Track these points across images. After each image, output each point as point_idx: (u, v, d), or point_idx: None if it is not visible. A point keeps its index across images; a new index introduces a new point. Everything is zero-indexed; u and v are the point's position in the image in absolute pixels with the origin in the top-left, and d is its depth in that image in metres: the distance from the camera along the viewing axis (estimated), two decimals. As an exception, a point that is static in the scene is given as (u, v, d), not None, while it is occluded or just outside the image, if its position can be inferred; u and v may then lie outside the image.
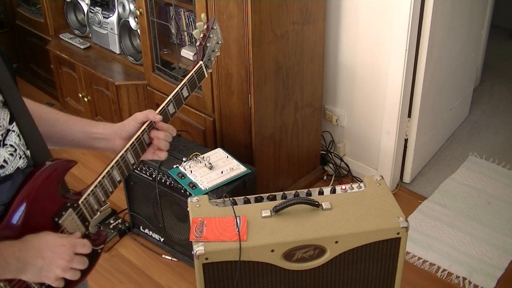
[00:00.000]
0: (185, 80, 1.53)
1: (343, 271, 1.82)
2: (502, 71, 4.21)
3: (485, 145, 3.39)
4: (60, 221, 1.21)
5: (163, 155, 1.45)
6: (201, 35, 1.63)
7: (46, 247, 1.13)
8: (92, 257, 1.31)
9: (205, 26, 1.63)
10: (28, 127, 1.21)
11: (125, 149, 1.36)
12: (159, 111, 1.43)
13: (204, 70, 1.61)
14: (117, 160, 1.35)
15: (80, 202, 1.27)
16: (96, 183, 1.31)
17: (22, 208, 1.14)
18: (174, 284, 2.53)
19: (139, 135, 1.39)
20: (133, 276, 2.58)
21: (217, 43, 1.67)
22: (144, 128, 1.40)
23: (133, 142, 1.38)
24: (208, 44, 1.62)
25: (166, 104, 1.46)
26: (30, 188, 1.16)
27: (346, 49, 2.86)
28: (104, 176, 1.33)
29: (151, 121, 1.40)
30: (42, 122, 1.33)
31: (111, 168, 1.34)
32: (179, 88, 1.50)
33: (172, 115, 1.48)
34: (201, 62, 1.59)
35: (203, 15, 1.63)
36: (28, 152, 1.19)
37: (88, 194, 1.29)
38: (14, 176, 1.15)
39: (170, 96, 1.48)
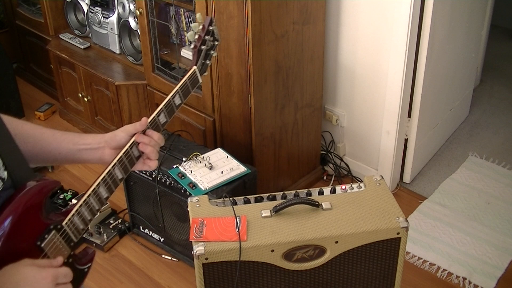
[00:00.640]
0: (177, 87, 1.45)
1: (343, 271, 1.82)
2: (502, 71, 4.21)
3: (485, 145, 3.39)
4: (42, 245, 1.14)
5: (153, 165, 1.39)
6: (196, 36, 1.53)
7: (25, 284, 1.05)
8: (79, 277, 1.26)
9: (201, 27, 1.53)
10: (6, 147, 1.14)
11: (112, 164, 1.31)
12: (150, 121, 1.38)
13: (198, 75, 1.52)
14: (104, 176, 1.29)
15: (64, 223, 1.20)
16: (81, 202, 1.25)
17: (3, 231, 1.07)
18: (174, 284, 2.53)
19: (127, 149, 1.33)
20: (133, 276, 2.58)
21: (214, 44, 1.57)
22: (133, 142, 1.34)
23: (121, 156, 1.32)
24: (203, 47, 1.53)
25: (156, 114, 1.40)
26: (13, 210, 1.10)
27: (346, 49, 2.86)
28: (89, 195, 1.26)
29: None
30: (27, 140, 1.28)
31: (97, 185, 1.27)
32: (171, 97, 1.43)
33: (164, 125, 1.42)
34: (194, 67, 1.50)
35: (198, 15, 1.54)
36: (5, 174, 1.13)
37: (73, 215, 1.22)
38: None
39: (161, 106, 1.41)
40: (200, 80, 1.54)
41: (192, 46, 1.55)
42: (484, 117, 3.67)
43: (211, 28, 1.55)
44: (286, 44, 2.53)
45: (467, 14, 3.10)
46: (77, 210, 1.24)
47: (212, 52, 1.58)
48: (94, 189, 1.27)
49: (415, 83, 2.81)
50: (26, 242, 1.12)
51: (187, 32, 2.86)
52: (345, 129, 3.08)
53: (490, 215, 2.84)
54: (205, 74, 1.57)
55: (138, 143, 1.36)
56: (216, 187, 2.27)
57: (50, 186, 1.18)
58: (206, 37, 1.54)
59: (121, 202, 2.94)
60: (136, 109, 3.08)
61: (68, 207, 1.24)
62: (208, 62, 1.57)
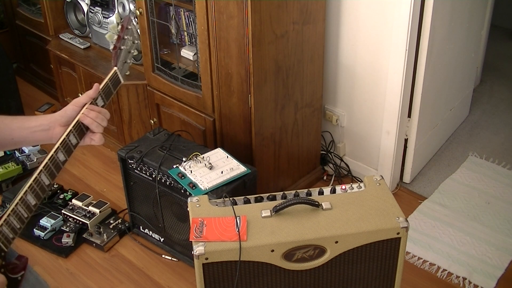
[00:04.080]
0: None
1: (343, 271, 1.82)
2: (502, 71, 4.21)
3: (485, 145, 3.39)
4: None
5: (96, 138, 1.43)
6: (115, 37, 1.55)
7: None
8: (13, 286, 1.26)
9: (119, 27, 1.55)
10: None
11: (38, 171, 1.32)
12: (73, 126, 1.40)
13: (120, 76, 1.54)
14: (31, 184, 1.30)
15: None
16: (9, 211, 1.25)
17: None
18: (174, 284, 2.53)
19: (52, 155, 1.35)
20: (133, 276, 2.58)
21: (133, 42, 1.59)
22: (58, 146, 1.36)
23: (46, 162, 1.33)
24: (123, 47, 1.55)
25: (73, 126, 1.41)
26: None
27: (346, 49, 2.86)
28: (17, 203, 1.27)
29: (73, 127, 1.37)
30: None
31: (24, 193, 1.28)
32: (93, 100, 1.46)
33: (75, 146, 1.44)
34: (115, 68, 1.53)
35: (116, 15, 1.58)
36: None
37: (1, 225, 1.23)
38: None
39: (83, 110, 1.43)
40: (122, 81, 1.55)
41: (111, 47, 1.56)
42: (484, 117, 3.67)
43: (130, 27, 1.57)
44: (286, 44, 2.53)
45: (467, 14, 3.10)
46: (5, 220, 1.24)
47: (133, 51, 1.59)
48: (21, 197, 1.27)
49: (415, 83, 2.81)
50: None
51: (187, 32, 2.87)
52: (345, 129, 3.08)
53: (490, 215, 2.84)
54: (127, 73, 1.58)
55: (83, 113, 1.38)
56: (216, 187, 2.26)
57: None
58: (126, 37, 1.56)
59: (121, 202, 2.94)
60: (136, 109, 3.08)
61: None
62: (129, 61, 1.57)
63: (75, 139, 1.38)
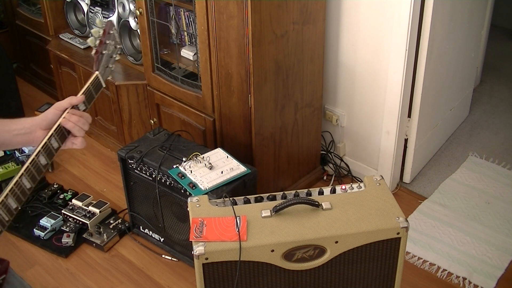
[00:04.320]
0: (80, 94, 1.49)
1: (343, 271, 1.82)
2: (502, 71, 4.21)
3: (485, 145, 3.39)
4: None
5: (78, 142, 1.43)
6: (97, 42, 1.55)
7: None
8: None
9: (101, 32, 1.56)
10: None
11: (19, 175, 1.31)
12: (55, 130, 1.40)
13: (101, 80, 1.54)
14: (12, 187, 1.29)
15: None
16: None
17: None
18: (174, 284, 2.53)
19: (34, 158, 1.34)
20: (133, 276, 2.58)
21: (115, 47, 1.60)
22: (40, 150, 1.36)
23: (27, 166, 1.33)
24: (104, 52, 1.55)
25: (54, 130, 1.41)
26: None
27: (346, 49, 2.86)
28: None
29: (55, 131, 1.38)
30: None
31: (5, 196, 1.27)
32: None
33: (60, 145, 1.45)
34: (97, 73, 1.53)
35: (98, 20, 1.59)
36: None
37: None
38: None
39: (65, 114, 1.44)
40: (104, 85, 1.56)
41: (93, 52, 1.56)
42: (484, 117, 3.67)
43: (111, 32, 1.57)
44: (286, 44, 2.53)
45: (467, 14, 3.11)
46: None
47: (115, 56, 1.60)
48: (2, 200, 1.26)
49: (415, 83, 2.81)
50: None
51: (187, 32, 2.86)
52: (345, 129, 3.08)
53: (490, 215, 2.84)
54: (109, 77, 1.59)
55: (64, 117, 1.39)
56: (216, 187, 2.26)
57: None
58: (108, 42, 1.56)
59: (121, 202, 2.94)
60: (136, 109, 3.08)
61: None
62: (111, 66, 1.58)
63: (57, 143, 1.39)
